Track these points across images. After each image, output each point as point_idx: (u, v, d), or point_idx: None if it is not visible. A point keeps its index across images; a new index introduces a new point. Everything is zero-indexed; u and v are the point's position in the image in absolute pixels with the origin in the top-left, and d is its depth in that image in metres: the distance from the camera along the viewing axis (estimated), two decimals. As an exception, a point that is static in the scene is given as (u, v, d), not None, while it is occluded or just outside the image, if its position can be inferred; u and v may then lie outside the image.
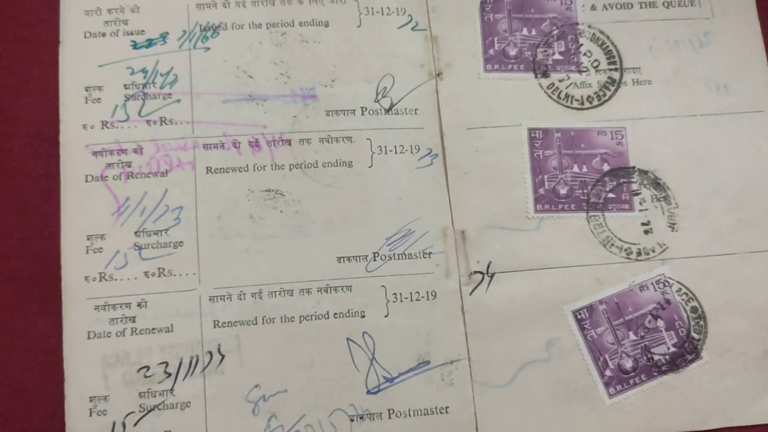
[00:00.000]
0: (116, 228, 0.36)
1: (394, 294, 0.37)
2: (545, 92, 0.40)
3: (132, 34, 0.38)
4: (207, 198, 0.37)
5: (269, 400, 0.35)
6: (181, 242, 0.36)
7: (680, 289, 0.38)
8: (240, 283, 0.36)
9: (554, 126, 0.39)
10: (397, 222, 0.37)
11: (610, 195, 0.39)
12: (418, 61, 0.39)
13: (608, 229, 0.38)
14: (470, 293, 0.37)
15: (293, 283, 0.36)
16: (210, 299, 0.36)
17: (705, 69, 0.41)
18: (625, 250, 0.38)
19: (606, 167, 0.39)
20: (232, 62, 0.38)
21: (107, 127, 0.37)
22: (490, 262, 0.38)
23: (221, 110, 0.38)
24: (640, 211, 0.39)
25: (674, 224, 0.39)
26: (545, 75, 0.40)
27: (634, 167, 0.39)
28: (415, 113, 0.39)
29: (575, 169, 0.39)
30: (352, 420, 0.35)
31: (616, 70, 0.40)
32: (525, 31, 0.40)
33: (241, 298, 0.36)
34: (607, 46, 0.41)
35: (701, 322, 0.38)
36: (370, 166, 0.38)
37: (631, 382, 0.37)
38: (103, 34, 0.38)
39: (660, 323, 0.38)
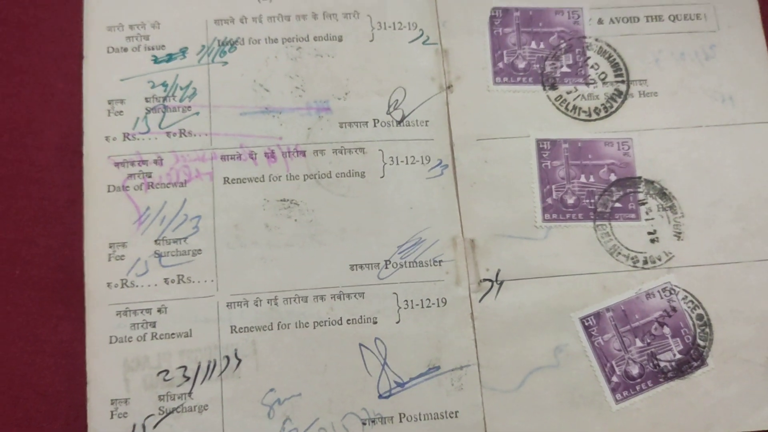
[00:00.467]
0: (137, 236, 0.37)
1: (406, 301, 0.38)
2: (553, 104, 0.41)
3: (153, 49, 0.40)
4: (224, 207, 0.38)
5: (284, 404, 0.36)
6: (200, 250, 0.38)
7: (686, 296, 0.39)
8: (256, 289, 0.37)
9: (562, 137, 0.40)
10: (408, 231, 0.38)
11: (617, 204, 0.40)
12: (429, 74, 0.40)
13: (615, 238, 0.39)
14: (480, 300, 0.38)
15: (307, 290, 0.37)
16: (227, 305, 0.37)
17: (710, 81, 0.41)
18: (632, 258, 0.39)
19: (613, 177, 0.40)
20: (249, 76, 0.40)
21: (129, 139, 0.39)
22: (499, 270, 0.39)
23: (238, 122, 0.39)
24: (647, 220, 0.40)
25: (680, 233, 0.39)
26: (553, 87, 0.41)
27: (640, 177, 0.40)
28: (426, 125, 0.40)
29: (582, 179, 0.40)
30: (364, 424, 0.36)
31: (622, 82, 0.41)
32: (533, 45, 0.41)
33: (257, 305, 0.37)
34: (614, 59, 0.41)
35: (707, 330, 0.38)
36: (382, 177, 0.39)
37: (638, 388, 0.38)
38: (125, 49, 0.40)
39: (666, 330, 0.38)
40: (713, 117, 0.41)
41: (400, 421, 0.37)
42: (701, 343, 0.38)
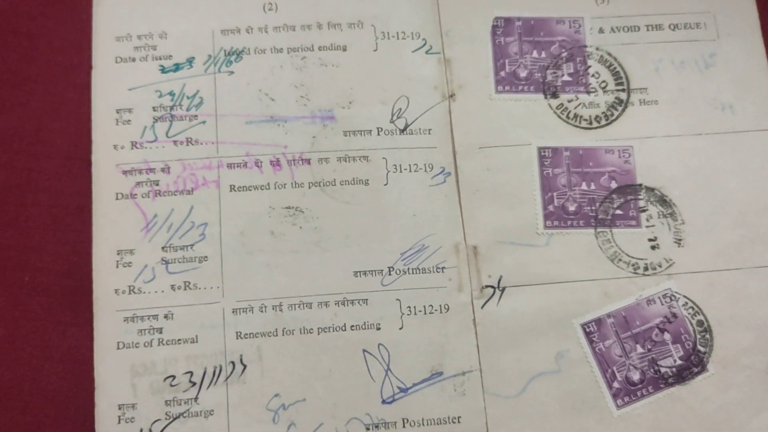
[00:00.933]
0: (145, 243, 0.38)
1: (409, 307, 0.38)
2: (554, 112, 0.41)
3: (160, 59, 0.40)
4: (230, 215, 0.39)
5: (289, 409, 0.37)
6: (206, 257, 0.38)
7: (686, 303, 0.39)
8: (261, 296, 0.38)
9: (563, 145, 0.41)
10: (411, 238, 0.39)
11: (618, 212, 0.40)
12: (432, 83, 0.41)
13: (616, 245, 0.40)
14: (482, 306, 0.39)
15: (312, 296, 0.38)
16: (233, 311, 0.38)
17: (710, 89, 0.42)
18: (633, 265, 0.39)
19: (613, 185, 0.40)
20: (255, 85, 0.40)
21: (137, 148, 0.39)
22: (501, 277, 0.39)
23: (244, 131, 0.40)
24: (647, 227, 0.40)
25: (680, 240, 0.40)
26: (554, 96, 0.41)
27: (641, 185, 0.40)
28: (429, 133, 0.40)
29: (584, 186, 0.40)
30: (367, 429, 0.37)
31: (623, 90, 0.42)
32: (535, 54, 0.42)
33: (262, 311, 0.38)
34: (615, 68, 0.42)
35: (707, 336, 0.39)
36: (385, 184, 0.39)
37: (639, 393, 0.38)
38: (133, 59, 0.40)
39: (667, 336, 0.39)
40: (713, 125, 0.41)
41: (404, 427, 0.37)
42: (702, 349, 0.39)
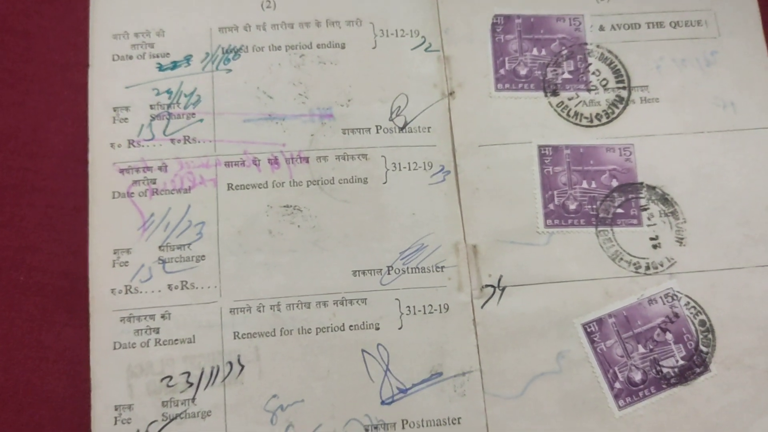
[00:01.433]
0: (141, 242, 0.38)
1: (408, 307, 0.38)
2: (555, 110, 0.41)
3: (157, 56, 0.40)
4: (228, 213, 0.38)
5: (287, 410, 0.36)
6: (203, 256, 0.38)
7: (688, 302, 0.39)
8: (259, 295, 0.37)
9: (564, 143, 0.40)
10: (410, 237, 0.39)
11: (619, 210, 0.40)
12: (431, 80, 0.41)
13: (617, 244, 0.39)
14: (482, 306, 0.38)
15: (310, 295, 0.38)
16: (230, 311, 0.37)
17: (712, 87, 0.41)
18: (634, 264, 0.39)
19: (615, 183, 0.40)
20: (253, 83, 0.40)
21: (134, 146, 0.39)
22: (501, 276, 0.39)
23: (242, 129, 0.39)
24: (648, 226, 0.40)
25: (682, 239, 0.39)
26: (555, 94, 0.41)
27: (642, 183, 0.40)
28: (428, 131, 0.40)
29: (584, 185, 0.40)
30: (366, 430, 0.36)
31: (624, 88, 0.41)
32: (535, 51, 0.42)
33: (260, 311, 0.37)
34: (616, 65, 0.42)
35: (709, 336, 0.38)
36: (384, 183, 0.39)
37: (641, 394, 0.38)
38: (130, 57, 0.40)
39: (669, 336, 0.38)
40: (715, 123, 0.41)
41: (403, 428, 0.37)
42: (704, 349, 0.38)
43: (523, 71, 0.41)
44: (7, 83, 0.40)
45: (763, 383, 0.38)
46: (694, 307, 0.39)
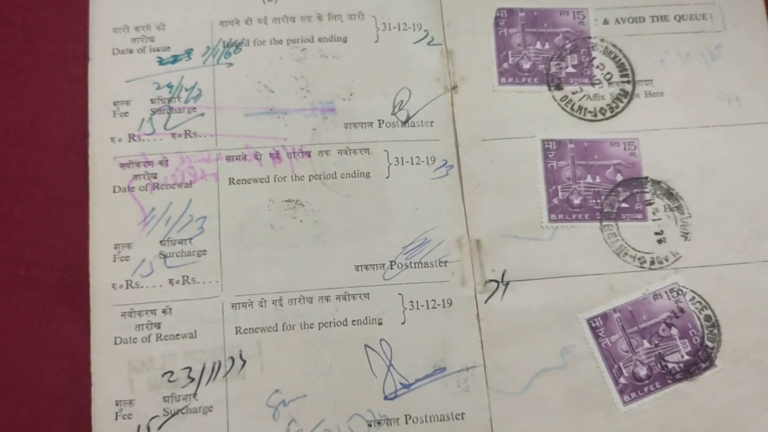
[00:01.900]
0: (142, 237, 0.37)
1: (411, 302, 0.38)
2: (559, 104, 0.41)
3: (158, 50, 0.40)
4: (229, 208, 0.38)
5: (289, 405, 0.36)
6: (205, 251, 0.37)
7: (694, 297, 0.38)
8: (261, 290, 0.37)
9: (568, 137, 0.40)
10: (413, 231, 0.38)
11: (624, 205, 0.40)
12: (434, 74, 0.40)
13: (622, 239, 0.39)
14: (485, 301, 0.38)
15: (312, 290, 0.37)
16: (232, 306, 0.37)
17: (717, 81, 0.41)
18: (639, 259, 0.39)
19: (619, 177, 0.40)
20: (254, 77, 0.40)
21: (134, 140, 0.39)
22: (504, 271, 0.38)
23: (243, 123, 0.39)
24: (653, 220, 0.39)
25: (687, 233, 0.39)
26: (558, 87, 0.41)
27: (647, 177, 0.40)
28: (431, 125, 0.40)
29: (588, 179, 0.40)
30: (369, 425, 0.36)
31: (628, 82, 0.41)
32: (538, 45, 0.41)
33: (262, 305, 0.37)
34: (620, 59, 0.41)
35: (715, 331, 0.38)
36: (387, 177, 0.39)
37: (646, 389, 0.37)
38: (131, 51, 0.40)
39: (674, 331, 0.38)
40: (720, 117, 0.41)
41: (406, 423, 0.36)
42: (709, 344, 0.38)
43: (526, 65, 0.41)
44: (6, 75, 0.40)
45: (769, 379, 0.37)
46: (699, 302, 0.38)
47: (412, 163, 0.39)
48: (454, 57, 0.41)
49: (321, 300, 0.37)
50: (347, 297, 0.37)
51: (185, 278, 0.37)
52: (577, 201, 0.39)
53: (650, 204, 0.40)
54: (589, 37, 0.42)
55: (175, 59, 0.40)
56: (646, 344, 0.38)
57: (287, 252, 0.38)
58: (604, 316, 0.38)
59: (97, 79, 0.39)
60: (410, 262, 0.38)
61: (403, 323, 0.37)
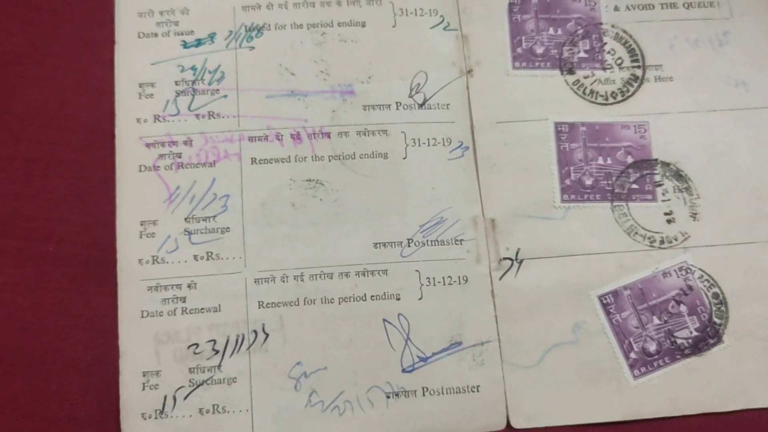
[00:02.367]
0: (168, 214, 0.39)
1: (428, 278, 0.39)
2: (571, 88, 0.42)
3: (182, 34, 0.41)
4: (252, 187, 0.39)
5: (310, 377, 0.37)
6: (228, 228, 0.39)
7: (702, 275, 0.40)
8: (283, 266, 0.38)
9: (580, 120, 0.41)
10: (430, 210, 0.39)
11: (634, 186, 0.41)
12: (450, 59, 0.41)
13: (632, 218, 0.40)
14: (500, 278, 0.39)
15: (333, 266, 0.38)
16: (255, 281, 0.38)
17: (724, 66, 0.42)
18: (649, 238, 0.40)
19: (630, 159, 0.41)
20: (275, 60, 0.41)
21: (159, 121, 0.40)
22: (518, 249, 0.39)
23: (265, 105, 0.40)
24: (663, 201, 0.40)
25: (696, 214, 0.40)
26: (571, 72, 0.42)
27: (656, 159, 0.41)
28: (447, 108, 0.41)
29: (600, 161, 0.41)
30: (388, 397, 0.37)
31: (638, 67, 0.42)
32: (551, 31, 0.43)
33: (284, 281, 0.38)
34: (630, 45, 0.42)
35: (722, 308, 0.39)
36: (404, 158, 0.40)
37: (655, 364, 0.38)
38: (156, 35, 0.41)
39: (683, 308, 0.39)
40: (727, 101, 0.42)
41: (423, 395, 0.37)
42: (717, 321, 0.39)
43: (539, 50, 0.42)
44: (35, 60, 0.41)
45: (775, 354, 0.39)
46: (707, 280, 0.39)
47: (429, 145, 0.40)
48: (469, 42, 0.42)
49: (341, 276, 0.38)
50: (366, 273, 0.38)
51: (209, 254, 0.38)
52: (588, 182, 0.41)
53: (660, 185, 0.41)
54: (601, 23, 0.43)
55: (199, 43, 0.41)
56: (656, 320, 0.39)
57: (308, 230, 0.39)
58: (615, 293, 0.39)
59: (123, 62, 0.40)
60: (427, 240, 0.39)
61: (420, 299, 0.38)
